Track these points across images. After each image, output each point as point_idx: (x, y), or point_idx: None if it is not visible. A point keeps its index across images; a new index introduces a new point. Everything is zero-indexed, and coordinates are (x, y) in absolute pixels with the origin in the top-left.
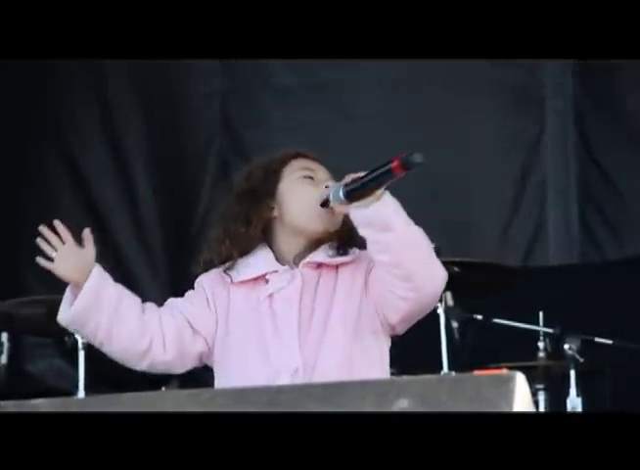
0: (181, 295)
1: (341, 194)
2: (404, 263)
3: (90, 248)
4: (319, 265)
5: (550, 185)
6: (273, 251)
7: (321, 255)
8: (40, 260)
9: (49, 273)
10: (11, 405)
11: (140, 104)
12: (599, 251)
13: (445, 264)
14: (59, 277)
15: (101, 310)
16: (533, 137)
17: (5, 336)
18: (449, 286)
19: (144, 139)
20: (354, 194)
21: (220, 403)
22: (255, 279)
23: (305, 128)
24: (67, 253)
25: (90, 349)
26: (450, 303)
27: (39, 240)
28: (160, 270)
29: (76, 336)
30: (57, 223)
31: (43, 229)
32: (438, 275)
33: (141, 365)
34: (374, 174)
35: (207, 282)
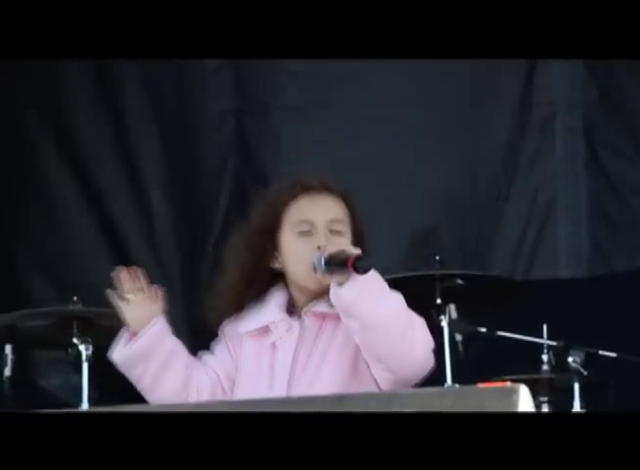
0: (194, 312)
1: (322, 265)
2: (372, 347)
3: (161, 305)
4: (323, 314)
5: (561, 200)
6: (290, 295)
7: (323, 304)
8: (115, 297)
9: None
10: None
11: (155, 121)
12: (609, 265)
13: (450, 277)
14: (123, 320)
15: (152, 359)
16: (544, 152)
17: (9, 348)
18: (454, 298)
19: (159, 156)
20: (330, 269)
21: None
22: (264, 328)
23: (318, 145)
24: (141, 302)
25: (95, 362)
26: (454, 315)
27: (121, 278)
28: (175, 286)
29: (80, 348)
30: (138, 270)
31: (125, 271)
32: (415, 355)
33: None
34: (337, 260)
35: (228, 331)
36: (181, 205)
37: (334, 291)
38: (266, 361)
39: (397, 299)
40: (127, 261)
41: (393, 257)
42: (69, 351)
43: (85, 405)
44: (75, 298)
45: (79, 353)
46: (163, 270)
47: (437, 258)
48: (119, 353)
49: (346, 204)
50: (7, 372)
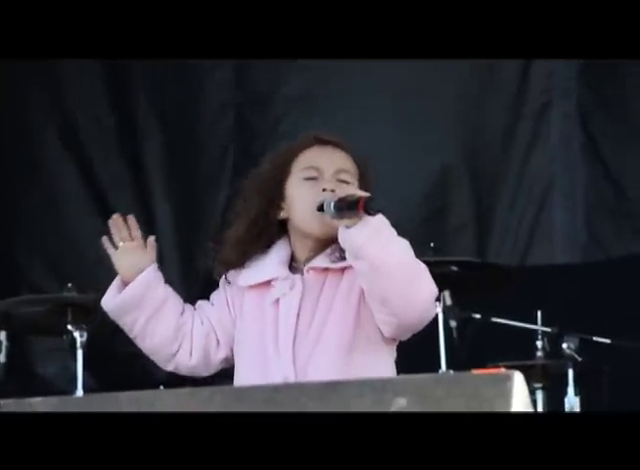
0: (192, 302)
1: (332, 207)
2: (378, 290)
3: (152, 254)
4: (325, 270)
5: (557, 187)
6: (292, 250)
7: (324, 259)
8: (106, 243)
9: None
10: (8, 404)
11: (156, 115)
12: (604, 252)
13: (444, 264)
14: (114, 267)
15: (144, 307)
16: (540, 139)
17: (4, 335)
18: (448, 285)
19: (160, 150)
20: (341, 212)
21: (218, 402)
22: (266, 283)
23: None
24: (132, 249)
25: (90, 349)
26: (449, 302)
27: (112, 225)
28: (174, 281)
29: (75, 334)
30: (131, 218)
31: (118, 218)
32: (419, 301)
33: (167, 367)
34: (347, 203)
35: (229, 282)
36: (182, 200)
37: (343, 233)
38: (270, 318)
39: (405, 244)
40: None
41: None
42: (64, 337)
43: (80, 392)
44: (70, 284)
45: (74, 340)
46: (162, 260)
47: (432, 244)
48: (110, 302)
49: (357, 163)
50: (1, 359)
